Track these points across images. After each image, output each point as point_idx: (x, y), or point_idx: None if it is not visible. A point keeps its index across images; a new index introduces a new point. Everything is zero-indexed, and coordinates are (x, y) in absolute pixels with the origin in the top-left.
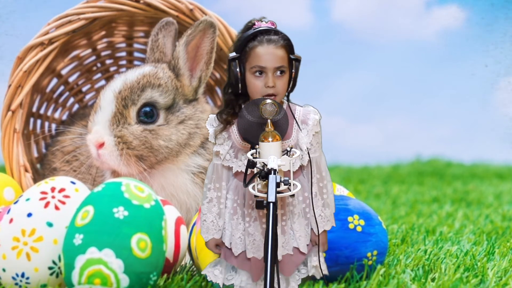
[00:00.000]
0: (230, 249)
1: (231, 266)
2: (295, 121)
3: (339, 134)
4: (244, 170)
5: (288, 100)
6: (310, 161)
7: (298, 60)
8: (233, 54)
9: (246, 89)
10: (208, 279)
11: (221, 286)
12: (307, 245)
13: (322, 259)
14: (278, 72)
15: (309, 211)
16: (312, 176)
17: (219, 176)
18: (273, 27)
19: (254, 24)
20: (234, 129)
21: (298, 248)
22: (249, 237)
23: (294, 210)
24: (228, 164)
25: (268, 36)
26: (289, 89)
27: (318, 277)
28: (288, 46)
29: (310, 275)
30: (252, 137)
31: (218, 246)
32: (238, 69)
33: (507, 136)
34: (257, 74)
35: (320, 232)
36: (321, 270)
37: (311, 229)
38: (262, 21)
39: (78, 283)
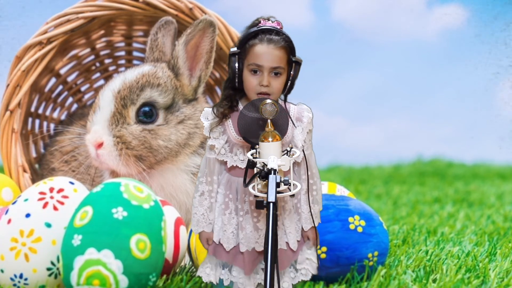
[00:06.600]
0: (220, 245)
1: (222, 263)
2: (290, 119)
3: (339, 134)
4: (238, 165)
5: (285, 100)
6: (304, 157)
7: (298, 63)
8: (234, 49)
9: (243, 85)
10: (204, 280)
11: (214, 283)
12: (298, 241)
13: (314, 253)
14: (274, 73)
15: (300, 206)
16: (304, 172)
17: (212, 170)
18: (278, 27)
19: (260, 22)
20: (229, 123)
21: (288, 243)
22: (242, 231)
23: (286, 206)
24: (223, 158)
25: (269, 36)
26: (286, 90)
27: (312, 271)
28: (289, 47)
29: (304, 267)
30: (252, 137)
31: (209, 240)
32: (236, 65)
33: (509, 136)
34: (253, 71)
35: (308, 228)
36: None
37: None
38: (269, 20)
39: (77, 284)
